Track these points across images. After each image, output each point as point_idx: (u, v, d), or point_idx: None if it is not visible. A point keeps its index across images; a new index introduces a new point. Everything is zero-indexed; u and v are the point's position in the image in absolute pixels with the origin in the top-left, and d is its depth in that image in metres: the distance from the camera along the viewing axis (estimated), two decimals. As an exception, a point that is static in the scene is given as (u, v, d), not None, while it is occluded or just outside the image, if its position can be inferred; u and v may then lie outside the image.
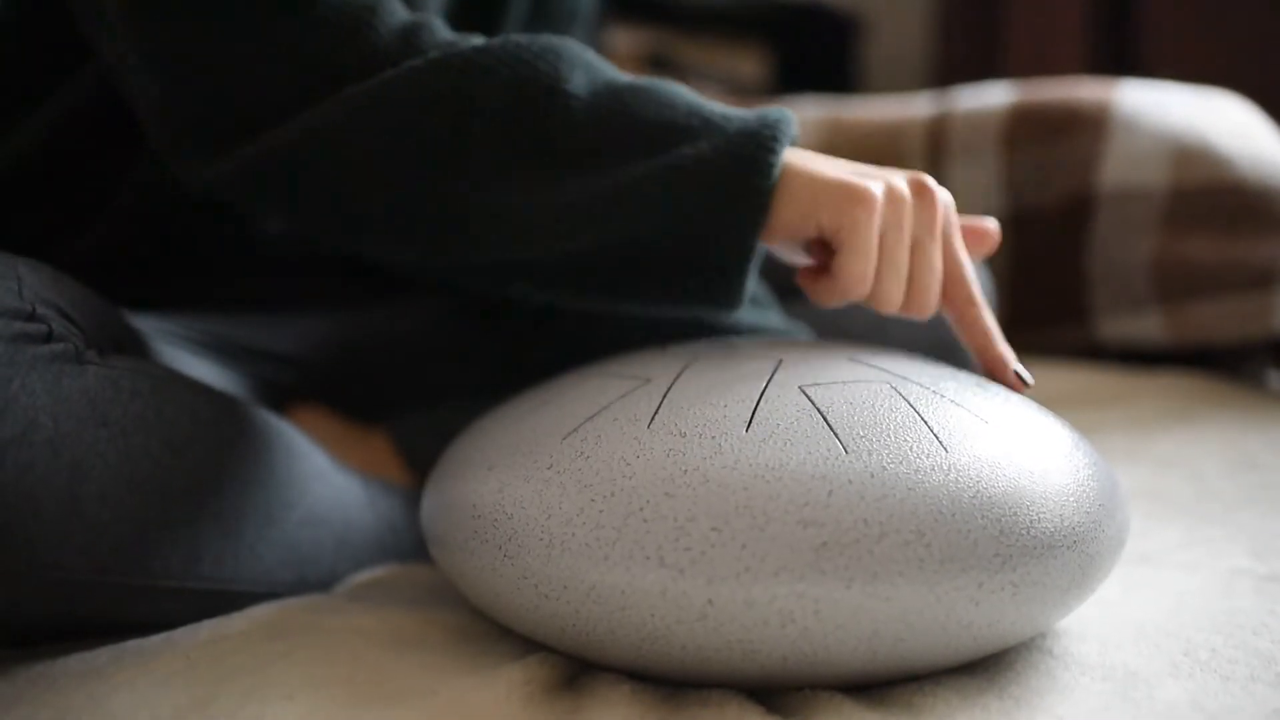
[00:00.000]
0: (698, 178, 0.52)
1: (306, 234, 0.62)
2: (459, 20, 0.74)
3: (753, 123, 0.53)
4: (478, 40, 0.57)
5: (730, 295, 0.55)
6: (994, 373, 0.56)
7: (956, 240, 0.55)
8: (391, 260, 0.61)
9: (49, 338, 0.50)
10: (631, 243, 0.55)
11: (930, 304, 0.55)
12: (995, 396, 0.52)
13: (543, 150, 0.54)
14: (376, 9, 0.57)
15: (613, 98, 0.55)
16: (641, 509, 0.44)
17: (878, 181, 0.53)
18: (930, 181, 0.54)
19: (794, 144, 0.56)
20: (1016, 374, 0.55)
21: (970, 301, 0.56)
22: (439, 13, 0.72)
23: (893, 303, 0.54)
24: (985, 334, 0.56)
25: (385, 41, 0.56)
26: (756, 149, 0.52)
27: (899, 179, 0.54)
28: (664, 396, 0.50)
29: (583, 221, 0.55)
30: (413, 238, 0.58)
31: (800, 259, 0.58)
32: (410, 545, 0.66)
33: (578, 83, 0.55)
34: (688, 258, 0.54)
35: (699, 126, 0.54)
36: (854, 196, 0.51)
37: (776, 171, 0.52)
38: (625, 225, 0.54)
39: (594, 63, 0.57)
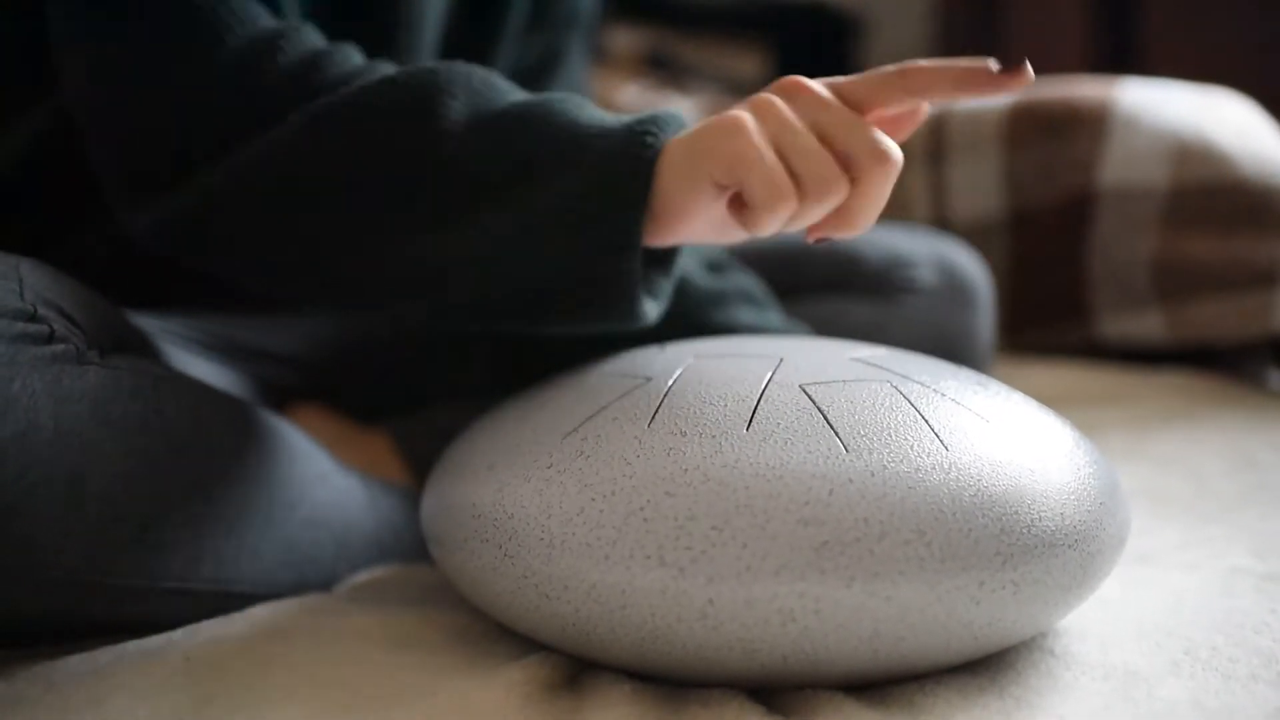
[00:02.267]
0: (562, 222, 0.52)
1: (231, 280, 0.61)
2: (458, 26, 0.74)
3: (618, 142, 0.51)
4: (375, 74, 0.55)
5: (631, 315, 0.54)
6: (971, 80, 0.49)
7: (862, 91, 0.50)
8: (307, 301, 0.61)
9: (50, 338, 0.50)
10: (515, 289, 0.54)
11: (875, 150, 0.48)
12: (996, 395, 0.52)
13: (413, 201, 0.53)
14: (273, 48, 0.56)
15: (484, 135, 0.53)
16: (642, 508, 0.44)
17: (740, 107, 0.50)
18: (797, 78, 0.51)
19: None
20: (991, 65, 0.48)
21: (906, 89, 0.50)
22: (438, 19, 0.72)
23: (832, 187, 0.48)
24: (933, 70, 0.49)
25: (276, 85, 0.55)
26: (617, 177, 0.50)
27: (763, 93, 0.51)
28: (664, 395, 0.49)
29: (459, 272, 0.54)
30: (316, 285, 0.58)
31: (738, 234, 0.54)
32: (410, 545, 0.66)
33: (455, 117, 0.53)
34: (573, 292, 0.54)
35: (570, 156, 0.51)
36: (721, 130, 0.49)
37: (642, 198, 0.50)
38: (504, 274, 0.54)
39: (480, 88, 0.54)
